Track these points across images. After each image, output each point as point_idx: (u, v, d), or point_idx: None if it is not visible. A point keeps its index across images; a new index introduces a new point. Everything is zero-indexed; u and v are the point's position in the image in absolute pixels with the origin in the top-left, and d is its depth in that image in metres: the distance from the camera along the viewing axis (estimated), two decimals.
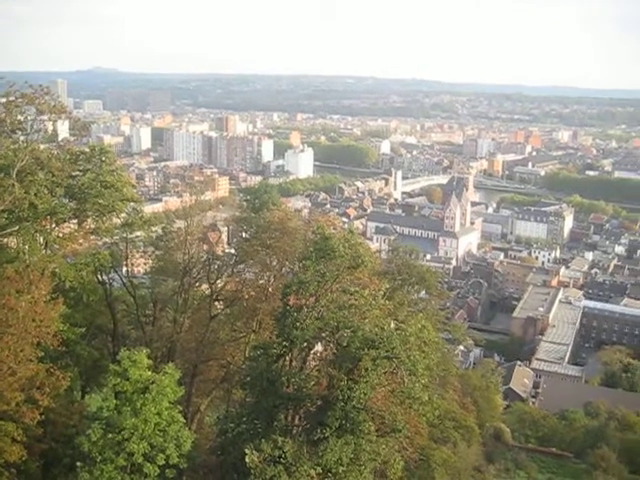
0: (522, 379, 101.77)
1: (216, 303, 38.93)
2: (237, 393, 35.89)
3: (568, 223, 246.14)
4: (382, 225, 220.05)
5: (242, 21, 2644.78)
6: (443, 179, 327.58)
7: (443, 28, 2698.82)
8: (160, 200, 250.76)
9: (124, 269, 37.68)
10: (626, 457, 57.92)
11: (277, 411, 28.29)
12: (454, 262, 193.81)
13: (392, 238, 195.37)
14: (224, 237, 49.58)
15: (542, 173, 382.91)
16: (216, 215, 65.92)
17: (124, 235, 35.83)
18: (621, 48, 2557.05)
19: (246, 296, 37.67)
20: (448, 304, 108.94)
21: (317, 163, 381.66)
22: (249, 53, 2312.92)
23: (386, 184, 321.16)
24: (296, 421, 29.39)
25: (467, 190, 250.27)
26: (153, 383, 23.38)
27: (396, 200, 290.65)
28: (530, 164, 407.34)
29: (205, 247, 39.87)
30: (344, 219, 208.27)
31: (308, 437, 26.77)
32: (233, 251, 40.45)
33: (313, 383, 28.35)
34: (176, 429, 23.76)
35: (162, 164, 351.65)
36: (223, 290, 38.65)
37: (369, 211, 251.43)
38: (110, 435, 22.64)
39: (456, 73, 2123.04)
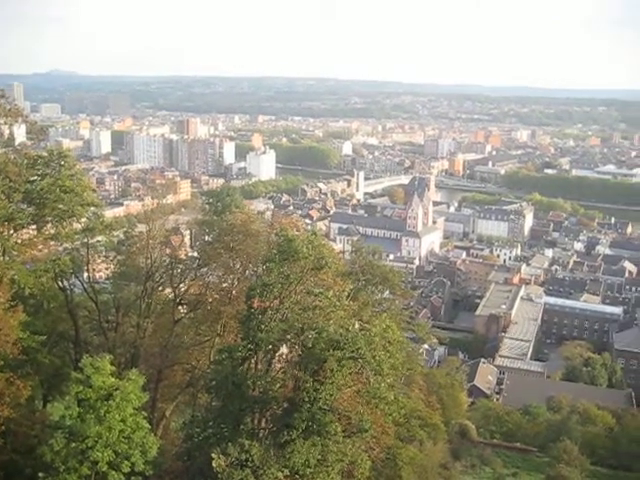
0: (486, 376, 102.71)
1: (180, 307, 38.62)
2: (203, 397, 35.63)
3: (528, 221, 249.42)
4: (345, 226, 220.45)
5: (202, 23, 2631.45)
6: (405, 179, 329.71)
7: (403, 29, 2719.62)
8: (121, 204, 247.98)
9: (85, 275, 37.12)
10: (588, 449, 59.07)
11: (243, 414, 28.18)
12: (417, 262, 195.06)
13: (355, 239, 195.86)
14: (187, 240, 49.13)
15: (502, 172, 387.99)
16: (178, 218, 65.26)
17: (85, 240, 35.33)
18: (577, 49, 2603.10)
19: (210, 299, 37.44)
20: (412, 303, 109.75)
21: (279, 165, 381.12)
22: (210, 55, 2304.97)
23: (348, 185, 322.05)
24: (262, 424, 29.31)
25: (429, 190, 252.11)
26: (117, 390, 23.10)
27: (359, 201, 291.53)
28: (490, 163, 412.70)
29: (168, 251, 39.47)
30: (307, 221, 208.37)
31: (275, 440, 26.70)
32: (196, 254, 40.13)
33: (279, 385, 28.30)
34: (141, 435, 23.51)
35: (123, 168, 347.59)
36: (186, 294, 38.36)
37: (332, 212, 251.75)
38: (73, 444, 22.31)
39: (417, 74, 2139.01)
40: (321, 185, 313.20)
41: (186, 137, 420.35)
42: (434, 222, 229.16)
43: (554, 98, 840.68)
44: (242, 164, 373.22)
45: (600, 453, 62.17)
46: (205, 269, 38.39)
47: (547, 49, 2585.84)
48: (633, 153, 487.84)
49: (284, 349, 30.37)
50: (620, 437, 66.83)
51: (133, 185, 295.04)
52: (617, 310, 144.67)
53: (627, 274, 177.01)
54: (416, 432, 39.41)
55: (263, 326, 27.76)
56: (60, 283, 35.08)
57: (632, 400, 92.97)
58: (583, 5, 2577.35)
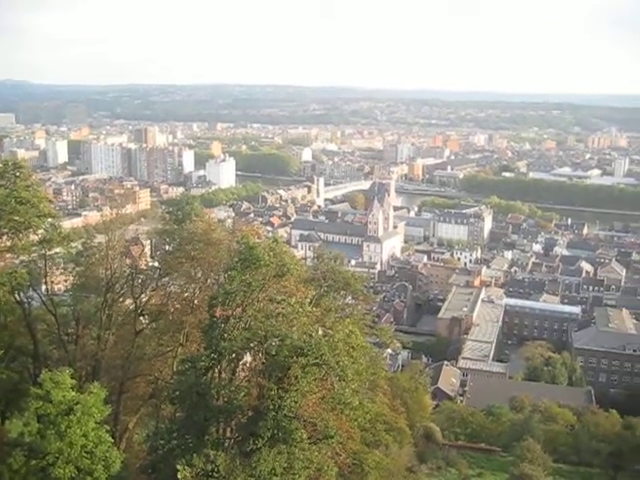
0: (449, 378, 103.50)
1: (141, 318, 38.14)
2: (166, 408, 35.23)
3: (487, 224, 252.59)
4: (306, 232, 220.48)
5: (159, 30, 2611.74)
6: (365, 185, 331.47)
7: (360, 35, 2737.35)
8: (79, 215, 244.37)
9: (43, 287, 36.47)
10: (550, 447, 59.94)
11: (208, 424, 27.94)
12: (379, 266, 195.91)
13: (316, 245, 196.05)
14: (147, 250, 48.56)
15: (461, 176, 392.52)
16: (138, 228, 64.50)
17: (42, 252, 34.67)
18: (531, 54, 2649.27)
19: (172, 309, 37.11)
20: (374, 308, 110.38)
21: (239, 172, 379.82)
22: (167, 63, 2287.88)
23: (309, 191, 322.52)
24: (228, 433, 29.12)
25: (389, 195, 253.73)
26: (78, 404, 22.71)
27: (319, 207, 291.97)
28: (449, 167, 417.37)
29: (128, 261, 38.99)
30: (268, 228, 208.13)
31: (240, 449, 26.56)
32: (157, 264, 39.72)
33: (243, 394, 28.14)
34: (104, 450, 23.14)
35: (80, 178, 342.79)
36: (148, 304, 37.91)
37: (293, 219, 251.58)
38: (33, 461, 21.88)
39: (374, 80, 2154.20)
40: (281, 192, 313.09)
41: (144, 146, 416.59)
42: (395, 227, 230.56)
43: (510, 102, 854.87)
44: (202, 172, 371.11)
45: (562, 450, 63.18)
46: (166, 279, 38.05)
47: (501, 55, 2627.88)
48: (587, 155, 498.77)
49: (248, 357, 30.24)
50: (581, 434, 68.10)
51: (91, 195, 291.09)
52: (575, 309, 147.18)
53: (584, 274, 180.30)
54: (382, 436, 39.47)
55: (226, 335, 27.62)
56: (17, 296, 34.35)
57: (591, 397, 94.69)
58: (537, 12, 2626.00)
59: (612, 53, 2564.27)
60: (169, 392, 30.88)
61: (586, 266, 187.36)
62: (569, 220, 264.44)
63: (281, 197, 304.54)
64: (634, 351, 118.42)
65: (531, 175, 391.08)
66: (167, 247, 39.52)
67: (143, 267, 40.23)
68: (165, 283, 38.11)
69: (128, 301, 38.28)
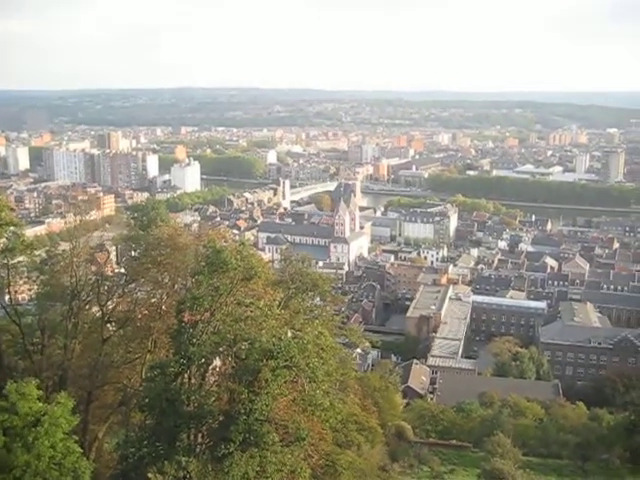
0: (419, 376, 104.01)
1: (108, 325, 37.76)
2: (136, 416, 34.86)
3: (453, 222, 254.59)
4: (273, 235, 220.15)
5: (119, 35, 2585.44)
6: (331, 186, 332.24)
7: (323, 37, 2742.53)
8: (42, 222, 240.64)
9: (7, 297, 35.85)
10: (519, 441, 60.68)
11: (179, 431, 27.76)
12: (346, 267, 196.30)
13: (284, 247, 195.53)
14: (113, 257, 48.02)
15: (426, 175, 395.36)
16: (103, 235, 63.74)
17: (4, 261, 34.10)
18: (492, 53, 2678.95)
19: (139, 316, 36.80)
20: (343, 309, 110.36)
21: (204, 176, 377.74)
22: (128, 67, 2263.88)
23: (275, 194, 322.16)
24: (199, 439, 28.95)
25: (355, 195, 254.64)
26: (45, 415, 22.36)
27: (286, 209, 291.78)
28: (414, 167, 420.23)
29: (93, 268, 38.57)
30: (235, 231, 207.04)
31: (212, 454, 26.42)
32: (123, 270, 39.39)
33: (214, 399, 28.02)
34: (73, 460, 22.82)
35: (42, 185, 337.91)
36: (115, 311, 37.58)
37: (259, 222, 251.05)
38: (0, 476, 21.46)
39: (338, 81, 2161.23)
40: (247, 195, 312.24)
41: (108, 151, 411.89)
42: (361, 227, 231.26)
43: (473, 101, 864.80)
44: (166, 177, 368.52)
45: (531, 444, 63.93)
46: (133, 285, 37.75)
47: (463, 54, 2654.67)
48: (549, 152, 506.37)
49: (217, 362, 30.10)
50: (549, 427, 69.14)
51: (54, 202, 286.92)
52: (541, 305, 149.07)
53: (549, 269, 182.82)
54: (353, 437, 39.58)
55: (195, 340, 27.47)
56: None
57: (559, 390, 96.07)
58: (498, 11, 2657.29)
59: (571, 51, 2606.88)
60: (138, 399, 30.62)
61: (551, 262, 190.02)
62: (533, 217, 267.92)
63: (247, 200, 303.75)
64: (599, 344, 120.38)
65: (495, 173, 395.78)
66: (133, 253, 39.20)
67: (109, 274, 39.87)
68: (132, 289, 37.80)
69: (94, 309, 37.86)
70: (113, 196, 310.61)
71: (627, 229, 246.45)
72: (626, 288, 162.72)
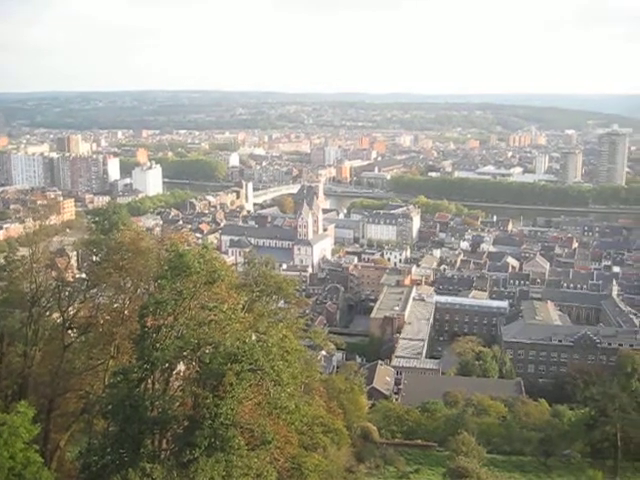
0: (384, 377, 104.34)
1: (69, 331, 37.26)
2: (99, 423, 34.46)
3: (415, 223, 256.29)
4: (236, 238, 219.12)
5: (78, 36, 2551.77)
6: (293, 188, 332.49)
7: (284, 39, 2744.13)
8: (0, 228, 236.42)
9: None
10: (484, 439, 61.36)
11: (143, 437, 27.49)
12: (310, 269, 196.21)
13: (247, 250, 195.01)
14: (73, 262, 47.49)
15: (388, 177, 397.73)
16: (63, 240, 62.75)
17: None
18: (451, 55, 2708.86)
19: (101, 321, 36.36)
20: (307, 311, 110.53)
21: (166, 179, 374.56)
22: (88, 69, 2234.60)
23: (237, 197, 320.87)
24: (164, 445, 28.71)
25: (318, 198, 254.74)
26: (4, 424, 21.96)
27: (249, 212, 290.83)
28: (376, 169, 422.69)
29: (53, 274, 38.05)
30: (198, 234, 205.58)
31: (177, 460, 26.22)
32: (84, 276, 38.92)
33: (178, 404, 27.82)
34: (33, 471, 22.44)
35: (0, 189, 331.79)
36: (76, 317, 37.09)
37: (222, 225, 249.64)
38: None
39: (300, 84, 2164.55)
40: (210, 198, 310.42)
41: (67, 155, 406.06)
42: (324, 229, 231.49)
43: (434, 103, 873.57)
44: (128, 180, 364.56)
45: (495, 441, 64.71)
46: (95, 290, 37.35)
47: (424, 57, 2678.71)
48: (509, 154, 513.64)
49: (181, 366, 29.91)
50: (512, 424, 70.07)
51: (12, 207, 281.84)
52: (503, 304, 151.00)
53: (510, 269, 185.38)
54: (319, 439, 39.61)
55: (158, 344, 27.26)
56: None
57: (521, 388, 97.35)
58: (455, 14, 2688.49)
59: (530, 53, 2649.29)
60: (101, 406, 30.25)
61: (512, 261, 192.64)
62: (494, 217, 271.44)
63: (210, 203, 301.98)
64: (559, 341, 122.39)
65: (456, 174, 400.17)
66: (94, 258, 38.77)
67: (70, 279, 39.40)
68: (93, 295, 37.40)
69: (55, 315, 37.37)
70: (73, 200, 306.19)
71: (585, 228, 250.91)
72: (585, 286, 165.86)
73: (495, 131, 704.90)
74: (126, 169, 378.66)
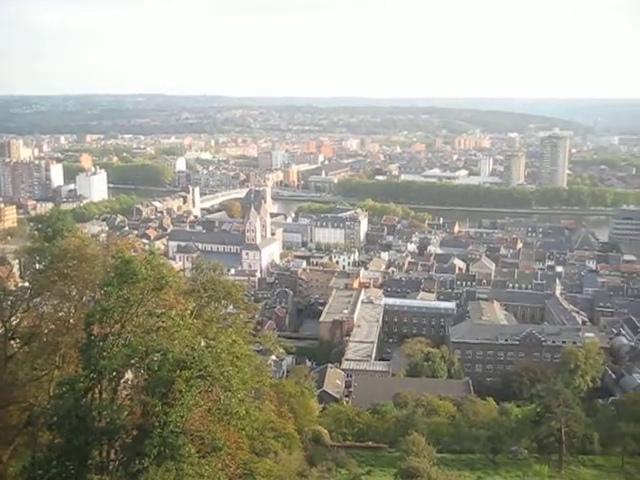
0: (334, 380, 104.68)
1: (12, 342, 36.34)
2: (44, 436, 33.58)
3: (363, 226, 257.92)
4: (184, 243, 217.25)
5: (18, 38, 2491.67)
6: (241, 193, 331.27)
7: (229, 44, 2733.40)
8: None
9: None
10: (433, 438, 62.16)
11: (90, 448, 27.02)
12: (259, 274, 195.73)
13: (195, 256, 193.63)
14: (16, 270, 46.31)
15: (335, 180, 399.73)
16: (5, 248, 61.40)
17: None
18: (398, 59, 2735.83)
19: (45, 331, 35.61)
20: (256, 316, 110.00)
21: (111, 185, 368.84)
22: (29, 72, 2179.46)
23: (184, 202, 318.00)
24: (112, 455, 28.26)
25: (265, 202, 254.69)
26: None
27: (196, 217, 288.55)
28: (324, 173, 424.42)
29: None
30: (144, 240, 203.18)
31: (126, 470, 25.86)
32: (27, 284, 38.03)
33: (127, 413, 27.42)
34: None
35: None
36: (19, 327, 36.25)
37: (169, 230, 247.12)
38: None
39: (245, 88, 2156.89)
40: (156, 203, 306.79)
41: (8, 160, 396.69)
42: (273, 234, 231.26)
43: (380, 107, 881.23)
44: (72, 186, 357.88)
45: (445, 441, 65.67)
46: (38, 299, 36.54)
47: (369, 60, 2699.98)
48: (455, 157, 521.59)
49: (129, 375, 29.49)
50: (461, 423, 71.20)
51: None
52: (451, 305, 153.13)
53: (457, 270, 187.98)
54: (270, 444, 39.50)
55: (105, 353, 26.85)
56: None
57: (470, 388, 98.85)
58: (398, 17, 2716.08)
59: (473, 57, 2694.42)
60: (46, 418, 29.59)
61: (459, 263, 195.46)
62: (441, 219, 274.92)
63: (156, 209, 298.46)
64: (506, 340, 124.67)
65: (403, 177, 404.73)
66: (38, 266, 37.98)
67: (12, 288, 38.46)
68: (37, 304, 36.60)
69: None
70: (15, 207, 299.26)
71: (529, 229, 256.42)
72: (530, 286, 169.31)
73: (441, 134, 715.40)
74: (70, 175, 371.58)
